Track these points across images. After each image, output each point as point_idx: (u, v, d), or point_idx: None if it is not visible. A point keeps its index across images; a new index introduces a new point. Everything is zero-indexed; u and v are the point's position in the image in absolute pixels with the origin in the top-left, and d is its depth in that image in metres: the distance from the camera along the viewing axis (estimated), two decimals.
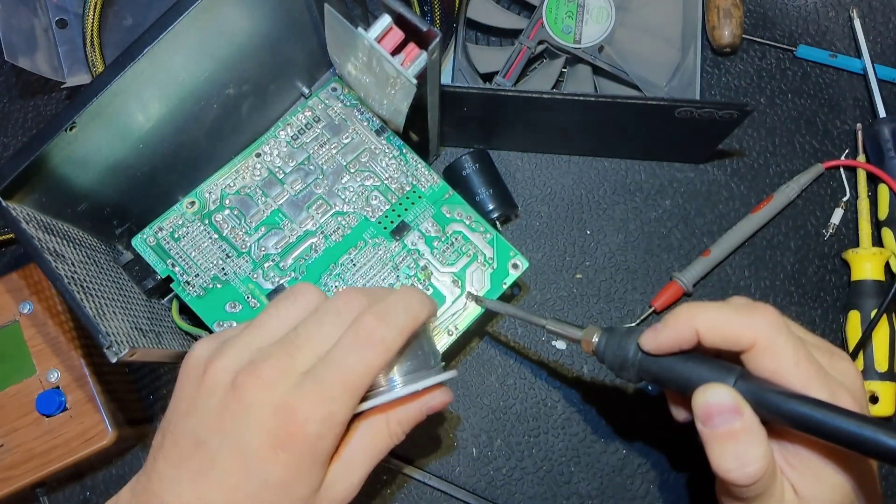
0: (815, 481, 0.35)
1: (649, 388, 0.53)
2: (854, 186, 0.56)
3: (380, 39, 0.41)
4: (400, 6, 0.40)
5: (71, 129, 0.39)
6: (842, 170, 0.57)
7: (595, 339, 0.41)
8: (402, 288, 0.39)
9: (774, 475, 0.35)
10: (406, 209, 0.49)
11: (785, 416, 0.34)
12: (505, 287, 0.48)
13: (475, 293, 0.47)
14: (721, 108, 0.49)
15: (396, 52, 0.42)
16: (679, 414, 0.42)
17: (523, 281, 0.56)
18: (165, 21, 0.39)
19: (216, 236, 0.48)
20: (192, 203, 0.49)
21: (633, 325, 0.54)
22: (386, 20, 0.41)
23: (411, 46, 0.41)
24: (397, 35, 0.41)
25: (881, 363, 0.51)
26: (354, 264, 0.48)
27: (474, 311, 0.47)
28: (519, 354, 0.54)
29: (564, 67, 0.58)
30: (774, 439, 0.36)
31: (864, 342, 0.51)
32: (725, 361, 0.37)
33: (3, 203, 0.39)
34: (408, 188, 0.49)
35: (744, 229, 0.55)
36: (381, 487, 0.52)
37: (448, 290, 0.47)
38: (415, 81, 0.41)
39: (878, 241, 0.55)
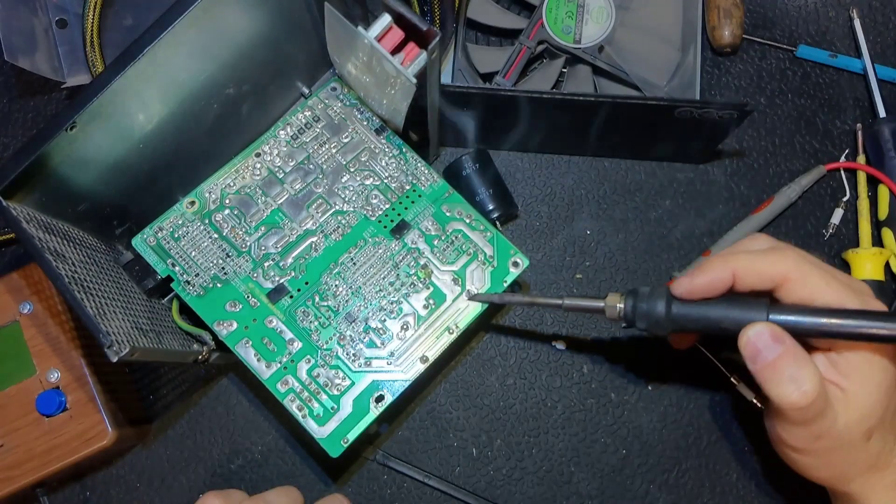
0: (860, 383, 0.38)
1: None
2: (854, 186, 0.56)
3: (380, 38, 0.41)
4: (400, 6, 0.40)
5: (71, 129, 0.39)
6: (842, 170, 0.57)
7: (620, 304, 0.43)
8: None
9: (826, 395, 0.38)
10: (406, 208, 0.49)
11: (821, 331, 0.38)
12: (505, 285, 0.48)
13: (475, 292, 0.47)
14: (721, 108, 0.49)
15: (396, 51, 0.42)
16: (681, 343, 0.49)
17: (524, 280, 0.56)
18: (165, 21, 0.39)
19: (216, 236, 0.48)
20: (192, 203, 0.49)
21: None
22: (386, 19, 0.41)
23: (411, 46, 0.42)
24: (397, 34, 0.41)
25: None
26: (354, 263, 0.48)
27: (474, 309, 0.47)
28: (519, 354, 0.54)
29: (564, 67, 0.58)
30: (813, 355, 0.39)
31: None
32: (749, 297, 0.41)
33: (4, 203, 0.39)
34: (407, 187, 0.49)
35: (744, 230, 0.55)
36: (381, 487, 0.52)
37: (448, 288, 0.47)
38: (414, 80, 0.41)
39: (878, 241, 0.55)
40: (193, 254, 0.48)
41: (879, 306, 0.39)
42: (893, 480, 0.41)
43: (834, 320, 0.38)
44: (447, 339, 0.46)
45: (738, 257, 0.40)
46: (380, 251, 0.48)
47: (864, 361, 0.39)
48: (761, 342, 0.38)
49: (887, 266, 0.54)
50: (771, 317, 0.39)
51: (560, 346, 0.54)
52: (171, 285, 0.47)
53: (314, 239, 0.48)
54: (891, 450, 0.40)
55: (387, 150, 0.50)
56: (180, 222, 0.48)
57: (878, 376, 0.39)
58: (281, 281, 0.47)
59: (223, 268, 0.48)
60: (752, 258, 0.40)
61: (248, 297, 0.47)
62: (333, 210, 0.49)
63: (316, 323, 0.47)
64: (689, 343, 0.49)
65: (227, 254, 0.48)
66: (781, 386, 0.38)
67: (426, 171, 0.50)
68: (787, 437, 0.40)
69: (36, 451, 0.48)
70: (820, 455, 0.40)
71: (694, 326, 0.41)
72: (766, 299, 0.40)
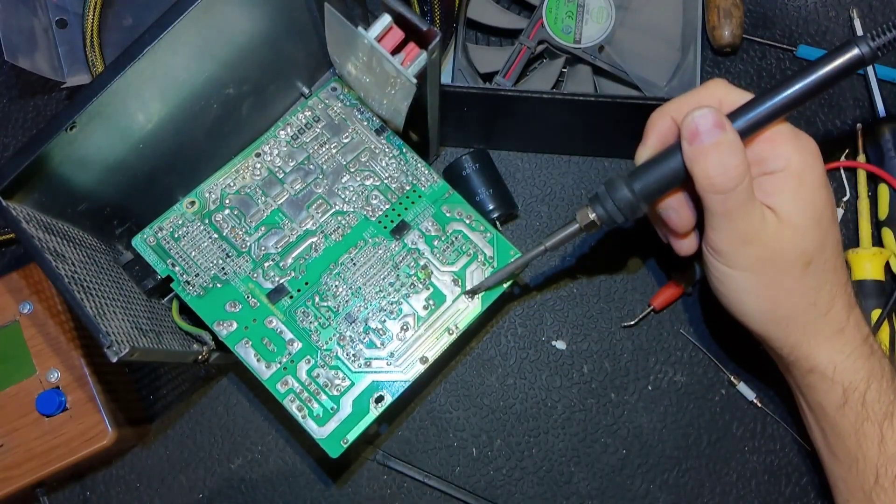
0: (792, 201, 0.39)
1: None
2: (854, 186, 0.56)
3: (380, 39, 0.41)
4: (400, 6, 0.40)
5: (71, 129, 0.39)
6: (842, 170, 0.57)
7: (591, 214, 0.43)
8: None
9: (752, 192, 0.39)
10: (406, 208, 0.49)
11: (768, 113, 0.39)
12: (505, 286, 0.48)
13: (471, 288, 0.47)
14: None
15: (396, 51, 0.42)
16: (683, 246, 0.45)
17: (523, 280, 0.56)
18: (165, 21, 0.39)
19: (216, 236, 0.48)
20: (192, 203, 0.49)
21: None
22: (386, 19, 0.41)
23: (411, 46, 0.41)
24: (397, 34, 0.41)
25: None
26: (354, 263, 0.48)
27: (474, 310, 0.47)
28: (519, 354, 0.54)
29: (564, 67, 0.58)
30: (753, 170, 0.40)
31: None
32: None
33: (4, 203, 0.39)
34: (408, 187, 0.49)
35: None
36: (381, 487, 0.52)
37: (448, 289, 0.47)
38: (415, 81, 0.41)
39: (878, 241, 0.55)
40: (193, 254, 0.48)
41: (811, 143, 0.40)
42: (834, 327, 0.41)
43: (775, 96, 0.39)
44: (447, 340, 0.46)
45: (669, 103, 0.42)
46: (380, 252, 0.48)
47: (796, 183, 0.39)
48: (704, 125, 0.38)
49: (887, 266, 0.54)
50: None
51: (560, 345, 0.54)
52: (171, 285, 0.47)
53: (314, 239, 0.48)
54: (830, 294, 0.41)
55: (387, 150, 0.50)
56: (180, 222, 0.48)
57: (808, 196, 0.39)
58: (281, 281, 0.47)
59: (223, 268, 0.47)
60: (681, 98, 0.42)
61: (248, 297, 0.47)
62: (333, 210, 0.49)
63: (316, 323, 0.47)
64: (686, 227, 0.44)
65: (227, 254, 0.48)
66: (709, 168, 0.38)
67: (426, 172, 0.50)
68: (715, 237, 0.40)
69: (36, 451, 0.48)
70: (754, 271, 0.40)
71: (662, 187, 0.41)
72: None
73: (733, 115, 0.39)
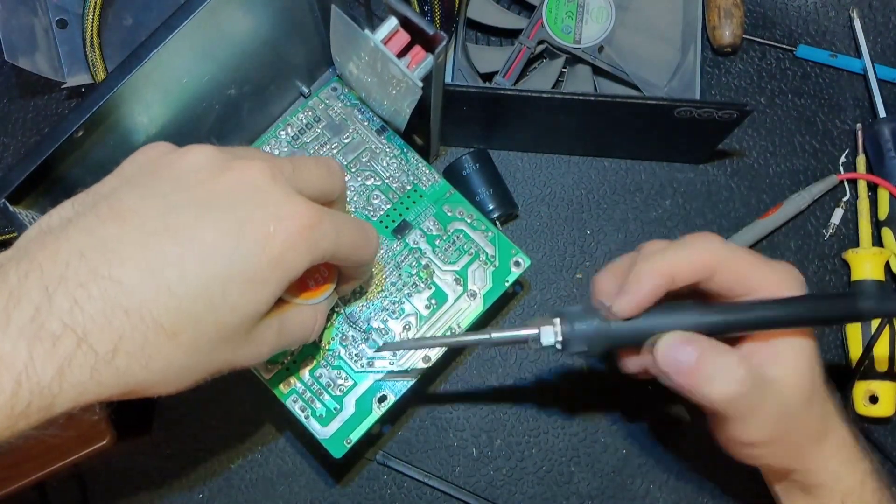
0: (793, 367, 0.38)
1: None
2: (854, 186, 0.56)
3: (386, 41, 0.41)
4: (406, 9, 0.40)
5: (77, 134, 0.39)
6: (842, 170, 0.57)
7: (557, 329, 0.40)
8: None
9: (763, 376, 0.37)
10: (407, 208, 0.49)
11: (753, 324, 0.38)
12: (507, 285, 0.48)
13: (382, 343, 0.46)
14: (721, 108, 0.49)
15: (402, 54, 0.42)
16: (629, 365, 0.42)
17: (525, 280, 0.56)
18: (172, 23, 0.39)
19: None
20: None
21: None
22: (393, 22, 0.41)
23: (417, 49, 0.41)
24: (403, 38, 0.41)
25: (881, 363, 0.51)
26: None
27: (476, 309, 0.47)
28: (519, 354, 0.54)
29: (564, 67, 0.58)
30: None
31: (870, 347, 0.51)
32: (676, 302, 0.39)
33: (11, 208, 0.39)
34: (409, 187, 0.49)
35: (750, 234, 0.55)
36: (382, 487, 0.52)
37: (450, 288, 0.47)
38: (421, 84, 0.41)
39: (878, 241, 0.55)
40: None
41: (800, 281, 0.39)
42: (837, 442, 0.40)
43: (765, 312, 0.37)
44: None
45: (665, 257, 0.38)
46: (381, 251, 0.48)
47: (794, 354, 0.38)
48: (676, 352, 0.37)
49: (887, 266, 0.54)
50: (703, 318, 0.38)
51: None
52: None
53: None
54: (829, 414, 0.40)
55: (388, 150, 0.50)
56: None
57: (803, 354, 0.38)
58: None
59: None
60: (680, 254, 0.38)
61: None
62: None
63: None
64: (639, 368, 0.42)
65: None
66: (711, 389, 0.36)
67: (427, 171, 0.50)
68: (749, 435, 0.38)
69: (35, 451, 0.47)
70: (783, 439, 0.39)
71: (631, 341, 0.39)
72: (691, 301, 0.39)
73: (732, 311, 0.38)
